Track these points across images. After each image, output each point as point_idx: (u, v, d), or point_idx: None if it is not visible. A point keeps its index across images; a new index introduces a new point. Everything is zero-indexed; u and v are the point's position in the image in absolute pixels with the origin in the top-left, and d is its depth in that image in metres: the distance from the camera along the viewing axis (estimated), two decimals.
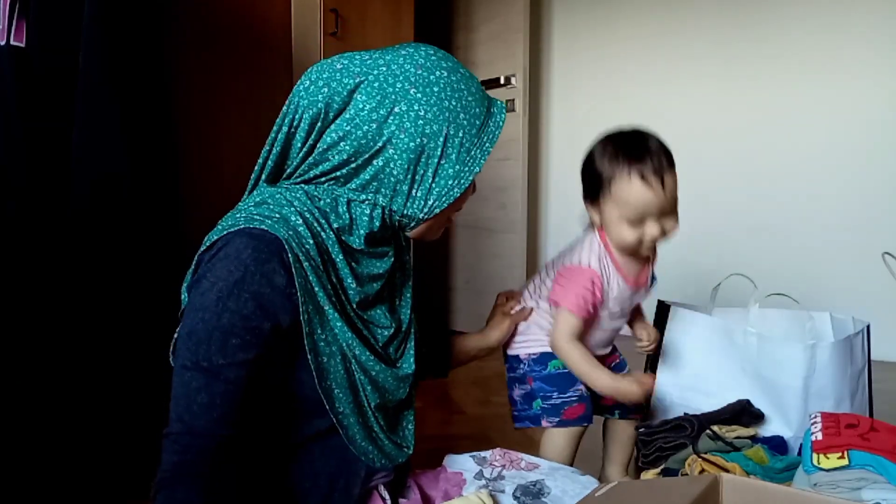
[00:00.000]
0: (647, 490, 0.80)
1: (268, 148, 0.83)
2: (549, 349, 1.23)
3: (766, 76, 2.87)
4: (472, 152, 0.82)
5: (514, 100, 3.06)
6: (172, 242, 1.38)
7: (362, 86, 0.78)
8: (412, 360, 0.90)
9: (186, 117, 1.75)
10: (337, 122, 0.79)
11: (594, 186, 1.14)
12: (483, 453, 1.02)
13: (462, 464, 1.00)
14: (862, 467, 1.06)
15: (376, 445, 0.83)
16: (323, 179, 0.82)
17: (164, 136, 1.41)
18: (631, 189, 1.09)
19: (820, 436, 1.13)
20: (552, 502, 0.89)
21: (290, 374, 0.79)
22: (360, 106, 0.78)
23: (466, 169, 0.82)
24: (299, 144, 0.81)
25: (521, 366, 1.26)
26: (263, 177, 0.84)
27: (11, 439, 1.20)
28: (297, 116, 0.80)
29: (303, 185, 0.82)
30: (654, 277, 1.29)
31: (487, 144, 0.83)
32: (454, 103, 0.80)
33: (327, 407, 0.78)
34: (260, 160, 0.84)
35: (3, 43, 1.20)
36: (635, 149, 1.11)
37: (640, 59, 3.14)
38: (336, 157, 0.80)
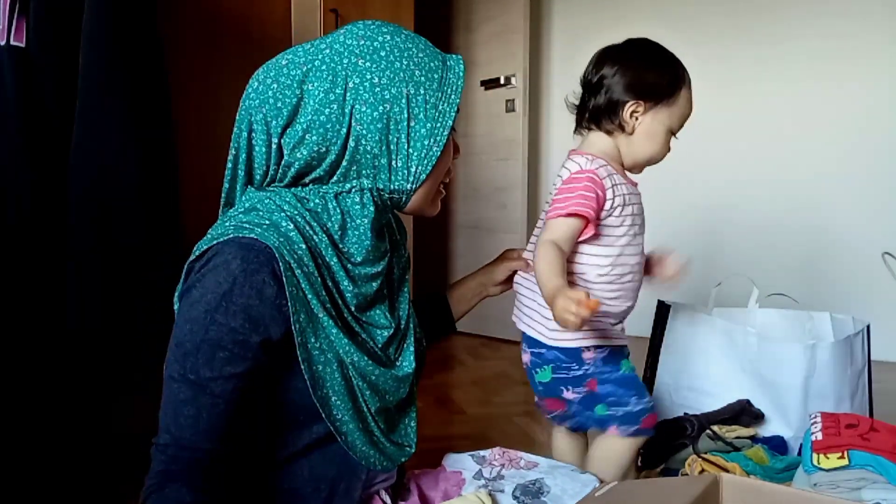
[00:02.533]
0: (647, 490, 0.80)
1: (233, 154, 0.81)
2: (602, 342, 1.07)
3: (767, 77, 2.88)
4: (440, 107, 0.80)
5: (514, 100, 3.06)
6: (172, 243, 1.38)
7: (310, 73, 0.77)
8: (412, 357, 0.88)
9: (187, 118, 1.74)
10: (297, 117, 0.77)
11: (663, 88, 1.08)
12: (482, 452, 1.01)
13: (461, 463, 1.00)
14: (862, 467, 1.06)
15: (377, 449, 0.83)
16: (307, 180, 0.80)
17: (165, 137, 1.41)
18: (690, 98, 1.10)
19: (820, 436, 1.13)
20: (552, 501, 0.89)
21: (286, 383, 0.78)
22: (315, 93, 0.77)
23: (439, 125, 0.80)
24: (263, 148, 0.79)
25: (582, 366, 1.09)
26: (238, 186, 0.83)
27: (12, 442, 1.20)
28: (252, 119, 0.79)
29: (290, 189, 0.81)
30: None
31: (453, 96, 0.81)
32: (406, 62, 0.78)
33: (324, 415, 0.77)
34: (227, 172, 0.82)
35: (3, 43, 1.20)
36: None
37: None
38: (306, 151, 0.78)
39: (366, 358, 0.80)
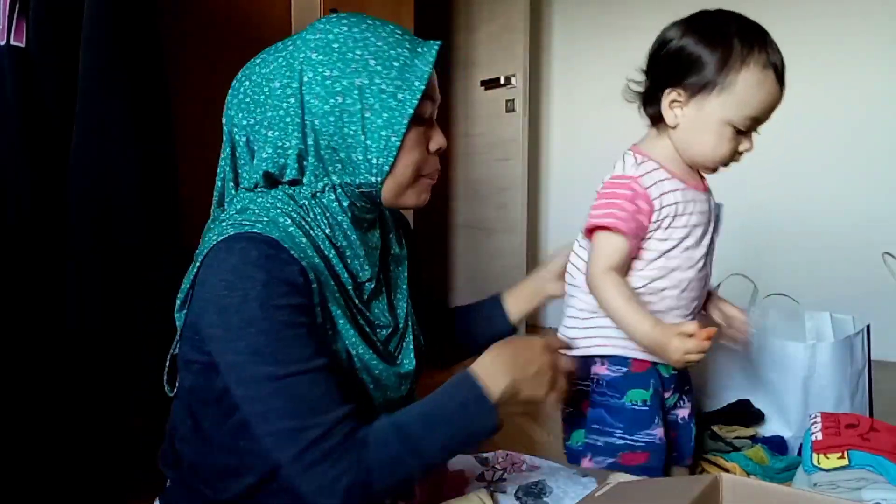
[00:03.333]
0: (647, 490, 0.80)
1: (224, 153, 0.83)
2: (620, 352, 0.95)
3: None
4: (399, 96, 0.76)
5: (514, 100, 3.06)
6: (172, 243, 1.38)
7: (274, 70, 0.78)
8: (412, 356, 0.88)
9: (187, 117, 1.75)
10: (262, 115, 0.78)
11: (702, 72, 0.88)
12: (485, 455, 1.02)
13: (464, 464, 1.00)
14: (862, 467, 1.06)
15: None
16: (285, 180, 0.80)
17: (165, 137, 1.41)
18: (765, 81, 0.88)
19: (820, 436, 1.13)
20: (553, 502, 0.89)
21: None
22: (275, 89, 0.77)
23: (397, 114, 0.76)
24: (245, 150, 0.81)
25: (585, 381, 0.98)
26: (228, 186, 0.83)
27: (12, 441, 1.20)
28: (233, 117, 0.81)
29: (280, 187, 0.81)
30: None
31: (417, 83, 0.77)
32: (359, 52, 0.76)
33: None
34: (219, 171, 0.84)
35: (3, 43, 1.20)
36: (766, 35, 0.90)
37: (640, 59, 3.14)
38: (270, 149, 0.77)
39: (370, 351, 0.80)
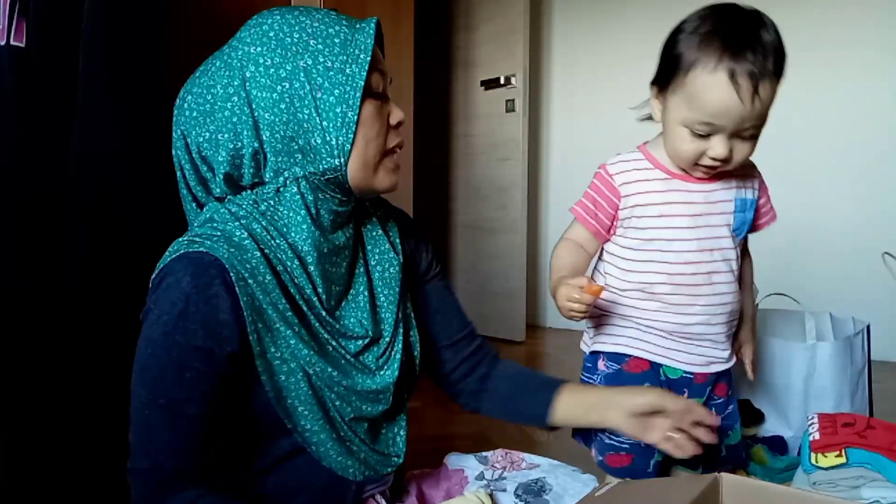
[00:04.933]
0: (647, 490, 0.80)
1: (178, 178, 0.81)
2: (620, 349, 0.98)
3: None
4: (347, 70, 0.74)
5: (514, 100, 3.06)
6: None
7: (215, 75, 0.76)
8: (396, 367, 0.83)
9: None
10: (209, 122, 0.76)
11: (668, 69, 0.89)
12: (485, 454, 1.01)
13: (464, 462, 1.00)
14: (860, 465, 1.07)
15: (357, 458, 0.79)
16: (248, 183, 0.77)
17: (165, 137, 1.41)
18: (713, 86, 0.82)
19: (818, 436, 1.14)
20: (553, 499, 0.89)
21: (255, 395, 0.75)
22: (217, 92, 0.75)
23: (349, 88, 0.74)
24: (203, 164, 0.78)
25: (596, 374, 1.01)
26: (190, 203, 0.82)
27: (14, 439, 1.20)
28: (178, 138, 0.79)
29: (249, 192, 0.78)
30: (754, 203, 1.01)
31: (361, 56, 0.75)
32: (297, 35, 0.74)
33: (290, 426, 0.75)
34: (181, 197, 0.83)
35: (2, 43, 1.20)
36: (739, 35, 0.84)
37: (640, 59, 3.13)
38: (224, 152, 0.75)
39: (329, 368, 0.76)
